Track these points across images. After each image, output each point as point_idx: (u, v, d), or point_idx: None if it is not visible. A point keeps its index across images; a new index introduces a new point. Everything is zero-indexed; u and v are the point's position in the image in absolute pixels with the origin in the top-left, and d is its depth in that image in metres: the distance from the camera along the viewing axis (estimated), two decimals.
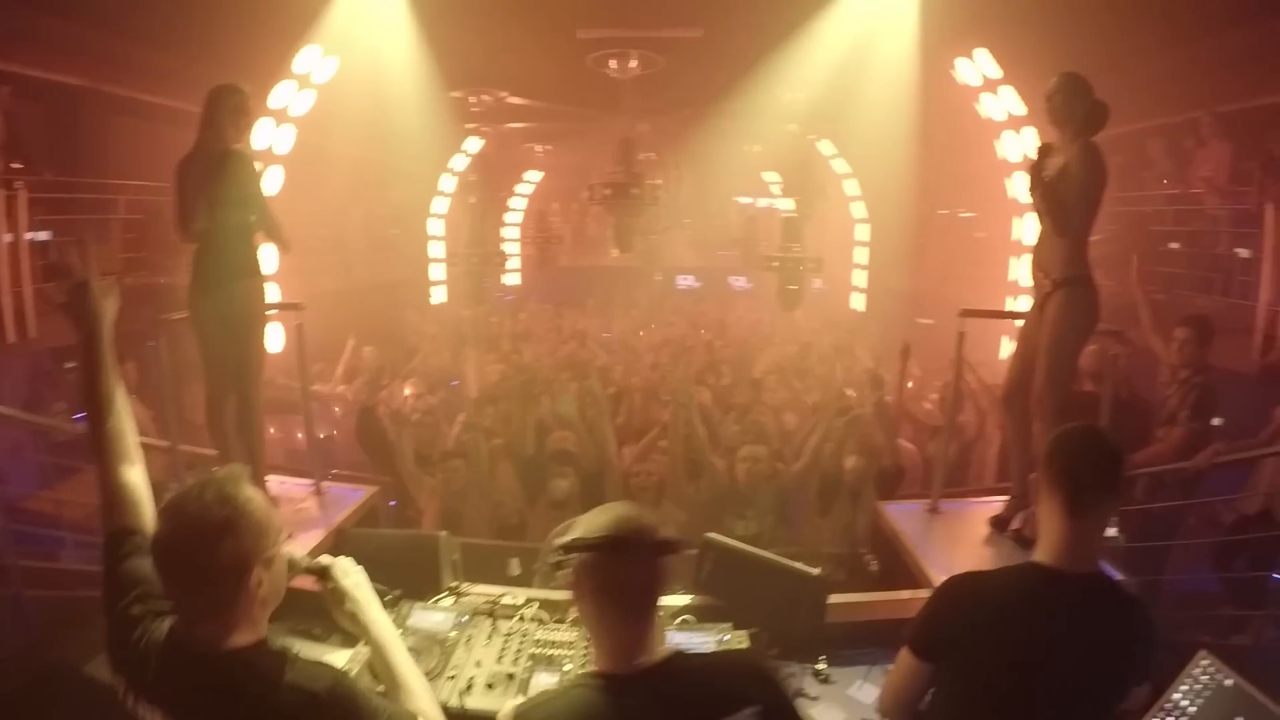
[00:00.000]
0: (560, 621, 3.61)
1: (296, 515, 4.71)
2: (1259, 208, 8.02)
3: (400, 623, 3.41)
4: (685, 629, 3.50)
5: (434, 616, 3.49)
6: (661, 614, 2.05)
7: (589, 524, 2.04)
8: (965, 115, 9.79)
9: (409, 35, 9.01)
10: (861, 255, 15.47)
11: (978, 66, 9.23)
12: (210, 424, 4.68)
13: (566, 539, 2.04)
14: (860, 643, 3.70)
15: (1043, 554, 2.39)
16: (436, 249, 15.42)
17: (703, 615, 3.63)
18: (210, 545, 1.84)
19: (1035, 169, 4.31)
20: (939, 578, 4.16)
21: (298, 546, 4.21)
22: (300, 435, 7.75)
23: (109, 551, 2.13)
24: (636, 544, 1.99)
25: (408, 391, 8.50)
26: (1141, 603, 2.43)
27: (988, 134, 9.67)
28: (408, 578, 3.57)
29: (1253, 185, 8.38)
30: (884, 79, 9.35)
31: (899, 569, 4.61)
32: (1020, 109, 9.20)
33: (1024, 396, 4.43)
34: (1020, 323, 4.75)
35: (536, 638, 3.48)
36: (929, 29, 8.53)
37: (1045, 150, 4.33)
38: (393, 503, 5.97)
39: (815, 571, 3.63)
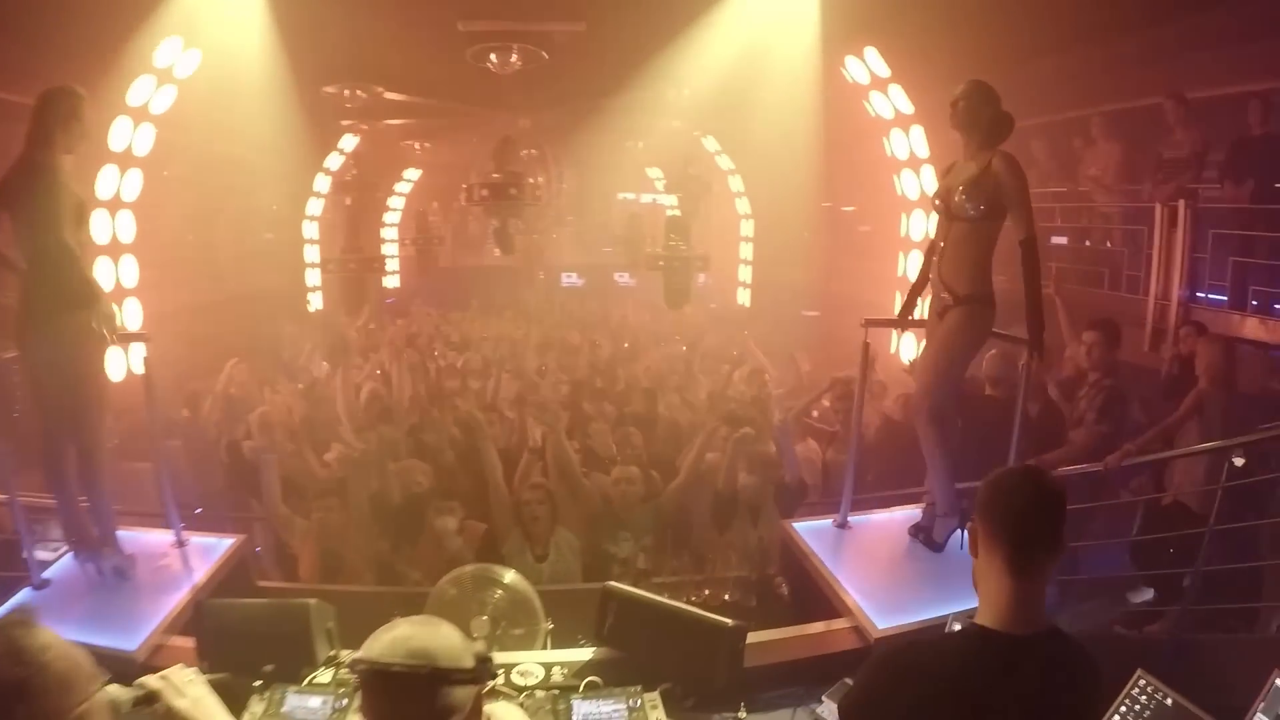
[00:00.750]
0: None
1: (156, 575, 4.26)
2: (1149, 203, 8.28)
3: (273, 711, 2.99)
4: (593, 694, 3.18)
5: (310, 701, 3.03)
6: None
7: (369, 643, 1.84)
8: (854, 113, 9.76)
9: (275, 26, 8.32)
10: (746, 250, 15.62)
11: (867, 65, 9.19)
12: (47, 475, 4.15)
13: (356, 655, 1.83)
14: (780, 684, 3.53)
15: (986, 616, 2.16)
16: (313, 253, 14.58)
17: (610, 676, 3.32)
18: (2, 715, 1.47)
19: (945, 193, 4.40)
20: (855, 600, 4.09)
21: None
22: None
23: None
24: (408, 675, 1.76)
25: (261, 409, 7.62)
26: (1093, 655, 2.21)
27: (876, 131, 9.67)
28: (278, 651, 3.18)
29: (1141, 184, 8.66)
30: (772, 77, 9.25)
31: (812, 592, 4.48)
32: (908, 107, 9.21)
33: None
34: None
35: None
36: (822, 29, 8.45)
37: (946, 171, 4.52)
38: (257, 549, 5.50)
39: (730, 623, 3.34)
